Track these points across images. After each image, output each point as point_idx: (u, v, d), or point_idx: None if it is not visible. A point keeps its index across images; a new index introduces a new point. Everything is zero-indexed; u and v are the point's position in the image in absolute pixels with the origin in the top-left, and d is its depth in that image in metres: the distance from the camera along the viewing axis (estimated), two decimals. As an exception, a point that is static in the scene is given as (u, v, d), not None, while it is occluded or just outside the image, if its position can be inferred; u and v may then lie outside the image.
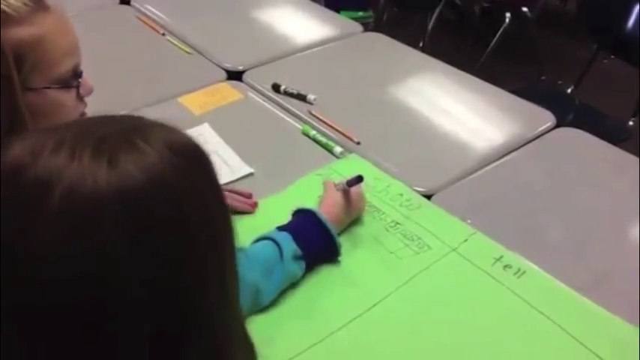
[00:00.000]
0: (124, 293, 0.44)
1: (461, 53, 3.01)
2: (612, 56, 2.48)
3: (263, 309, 0.95)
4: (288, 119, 1.43)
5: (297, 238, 0.97)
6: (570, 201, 1.22)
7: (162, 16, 1.87)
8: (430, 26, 3.08)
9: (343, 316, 0.95)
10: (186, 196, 0.47)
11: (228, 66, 1.63)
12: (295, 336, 0.92)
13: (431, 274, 1.02)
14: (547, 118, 1.46)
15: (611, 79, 2.58)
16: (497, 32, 3.16)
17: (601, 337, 0.92)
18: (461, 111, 1.49)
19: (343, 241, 1.04)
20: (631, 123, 2.10)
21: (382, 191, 1.19)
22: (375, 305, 0.97)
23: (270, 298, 0.95)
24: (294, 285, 0.99)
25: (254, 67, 1.63)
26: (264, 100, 1.50)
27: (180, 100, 1.48)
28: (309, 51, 1.74)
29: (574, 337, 0.92)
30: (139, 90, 1.51)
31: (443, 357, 0.90)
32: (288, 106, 1.47)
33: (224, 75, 1.60)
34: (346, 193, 1.08)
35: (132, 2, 1.97)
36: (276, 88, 1.52)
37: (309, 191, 1.17)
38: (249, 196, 1.16)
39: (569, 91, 2.30)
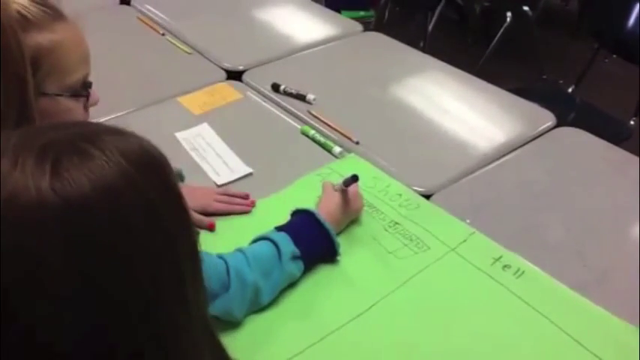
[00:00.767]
0: (62, 302, 0.43)
1: (461, 52, 3.00)
2: (614, 55, 2.48)
3: (262, 309, 0.95)
4: (287, 119, 1.43)
5: (295, 239, 0.97)
6: (570, 201, 1.22)
7: (163, 16, 1.88)
8: (431, 26, 3.07)
9: (342, 316, 0.95)
10: (135, 202, 0.46)
11: (228, 66, 1.63)
12: (294, 336, 0.92)
13: (430, 274, 1.02)
14: (547, 118, 1.46)
15: (612, 79, 2.57)
16: (498, 31, 3.15)
17: (600, 338, 0.92)
18: (460, 110, 1.49)
19: (342, 241, 1.04)
20: (632, 122, 2.10)
21: (381, 191, 1.19)
22: (373, 305, 0.97)
23: (270, 298, 0.95)
24: (293, 285, 0.99)
25: (254, 67, 1.63)
26: (263, 100, 1.50)
27: (179, 99, 1.48)
28: (308, 51, 1.74)
29: (573, 337, 0.92)
30: (139, 90, 1.51)
31: (442, 357, 0.90)
32: (288, 105, 1.47)
33: (224, 75, 1.60)
34: (344, 194, 1.08)
35: (132, 2, 1.97)
36: (275, 87, 1.52)
37: (309, 191, 1.17)
38: (245, 196, 1.16)
39: (570, 90, 2.29)
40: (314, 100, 1.47)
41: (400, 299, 0.98)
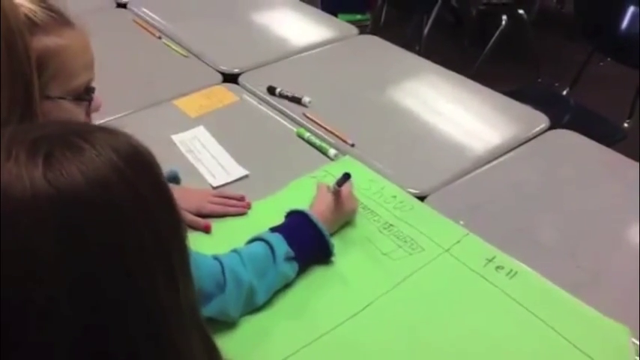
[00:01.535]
0: (56, 291, 0.44)
1: (457, 55, 3.02)
2: (608, 58, 2.49)
3: (256, 309, 0.95)
4: (283, 122, 1.44)
5: (289, 239, 0.98)
6: (563, 202, 1.23)
7: (159, 19, 1.88)
8: (427, 29, 3.08)
9: (336, 316, 0.95)
10: (126, 195, 0.47)
11: (224, 69, 1.64)
12: (288, 336, 0.92)
13: (424, 276, 1.03)
14: (540, 120, 1.47)
15: (607, 81, 2.58)
16: (493, 34, 3.17)
17: (593, 338, 0.93)
18: (455, 113, 1.49)
19: (336, 243, 1.04)
20: (625, 125, 2.11)
21: (376, 193, 1.20)
22: (368, 306, 0.97)
23: (264, 298, 0.96)
24: (287, 285, 0.99)
25: (249, 69, 1.64)
26: (259, 103, 1.51)
27: (176, 102, 1.49)
28: (304, 54, 1.75)
29: (566, 338, 0.92)
30: (135, 93, 1.52)
31: (435, 358, 0.91)
32: (283, 108, 1.48)
33: (220, 78, 1.61)
34: (337, 194, 1.09)
35: (128, 5, 1.98)
36: (271, 90, 1.52)
37: (304, 193, 1.18)
38: (241, 198, 1.17)
39: (564, 92, 2.31)
40: (309, 102, 1.48)
41: (394, 300, 0.99)
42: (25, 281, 0.44)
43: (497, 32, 3.17)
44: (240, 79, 1.60)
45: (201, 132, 1.38)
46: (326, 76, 1.65)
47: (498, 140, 1.40)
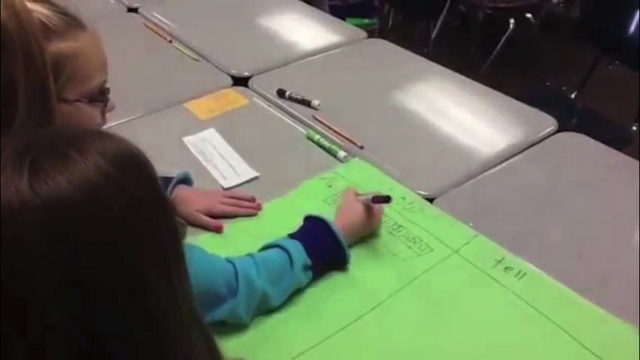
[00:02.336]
0: (51, 293, 0.45)
1: (464, 59, 3.03)
2: (616, 62, 2.49)
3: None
4: (292, 124, 1.45)
5: (308, 249, 0.97)
6: (571, 204, 1.23)
7: (170, 23, 1.90)
8: (434, 33, 3.10)
9: (346, 316, 0.96)
10: (113, 197, 0.47)
11: (234, 72, 1.65)
12: (298, 335, 0.93)
13: (433, 276, 1.04)
14: (548, 123, 1.47)
15: (615, 85, 2.58)
16: (501, 38, 3.17)
17: (602, 339, 0.93)
18: (463, 116, 1.50)
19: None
20: (634, 128, 2.11)
21: (385, 195, 1.21)
22: (377, 306, 0.98)
23: (278, 302, 0.96)
24: (297, 287, 1.00)
25: (259, 73, 1.65)
26: (269, 106, 1.52)
27: (186, 105, 1.50)
28: (313, 57, 1.76)
29: (575, 339, 0.93)
30: (146, 96, 1.53)
31: (444, 357, 0.92)
32: (293, 111, 1.49)
33: (230, 81, 1.62)
34: (369, 208, 1.07)
35: (139, 10, 2.00)
36: (281, 93, 1.54)
37: (313, 195, 1.20)
38: (251, 199, 1.18)
39: (572, 96, 2.31)
40: (319, 105, 1.49)
41: (404, 300, 0.99)
42: (19, 288, 0.45)
43: (504, 36, 3.17)
44: (251, 82, 1.62)
45: (212, 134, 1.39)
46: (335, 79, 1.66)
47: (506, 143, 1.41)
